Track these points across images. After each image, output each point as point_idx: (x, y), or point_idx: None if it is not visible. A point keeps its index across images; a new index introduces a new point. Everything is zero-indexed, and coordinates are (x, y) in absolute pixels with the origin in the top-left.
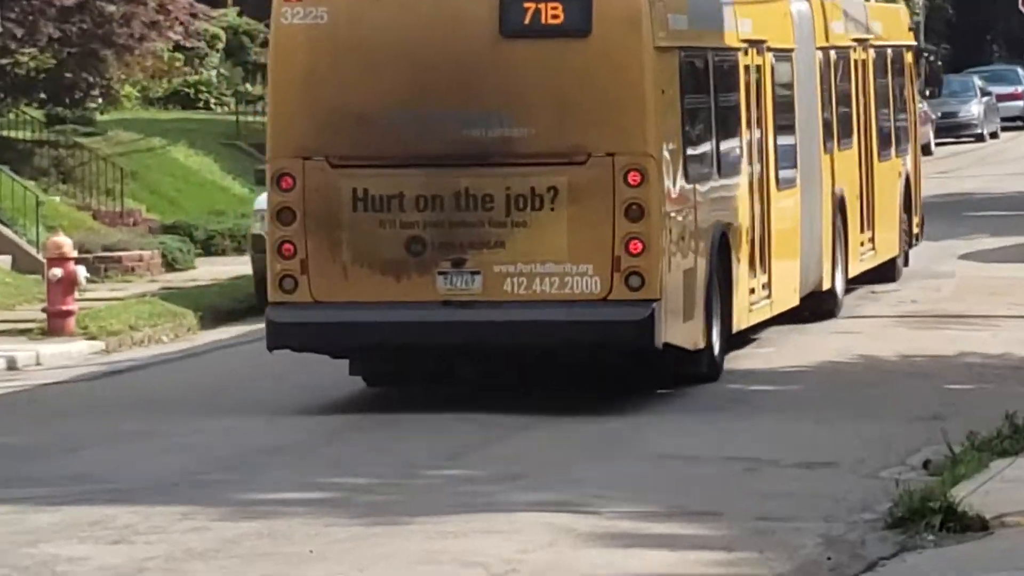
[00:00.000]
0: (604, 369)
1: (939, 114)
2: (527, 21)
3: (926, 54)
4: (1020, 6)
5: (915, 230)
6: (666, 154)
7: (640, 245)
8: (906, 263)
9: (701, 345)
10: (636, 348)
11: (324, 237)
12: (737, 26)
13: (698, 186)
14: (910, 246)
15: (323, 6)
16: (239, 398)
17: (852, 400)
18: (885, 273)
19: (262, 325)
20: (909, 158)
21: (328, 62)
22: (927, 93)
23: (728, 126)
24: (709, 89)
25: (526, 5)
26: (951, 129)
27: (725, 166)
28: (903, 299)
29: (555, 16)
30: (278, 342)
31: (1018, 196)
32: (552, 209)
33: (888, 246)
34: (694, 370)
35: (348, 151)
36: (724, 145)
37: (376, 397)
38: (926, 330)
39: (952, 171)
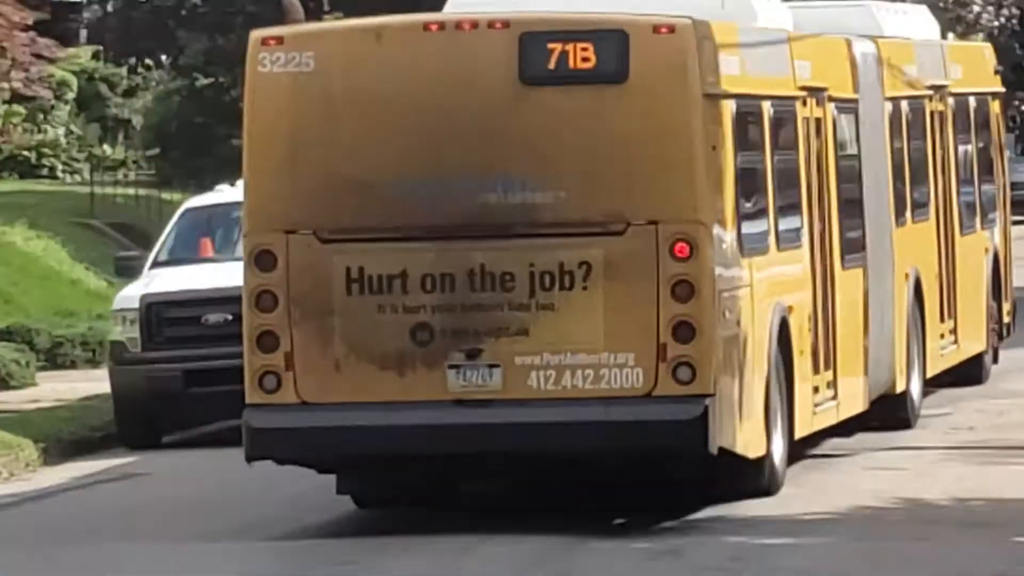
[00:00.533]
0: (641, 484)
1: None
2: (552, 65)
3: (1017, 103)
4: None
5: (1006, 319)
6: (718, 222)
7: (691, 330)
8: (995, 360)
9: (761, 452)
10: (686, 454)
11: (313, 326)
12: (795, 70)
13: (754, 261)
14: (1000, 339)
15: (309, 51)
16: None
17: (893, 559)
18: (970, 373)
19: (125, 460)
20: (998, 231)
21: (316, 118)
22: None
23: (787, 190)
24: (764, 146)
25: (551, 46)
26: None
27: (784, 238)
28: (957, 424)
29: (586, 59)
30: (258, 452)
31: None
32: (584, 288)
33: (973, 339)
34: (752, 483)
35: (341, 223)
36: (783, 213)
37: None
38: (987, 466)
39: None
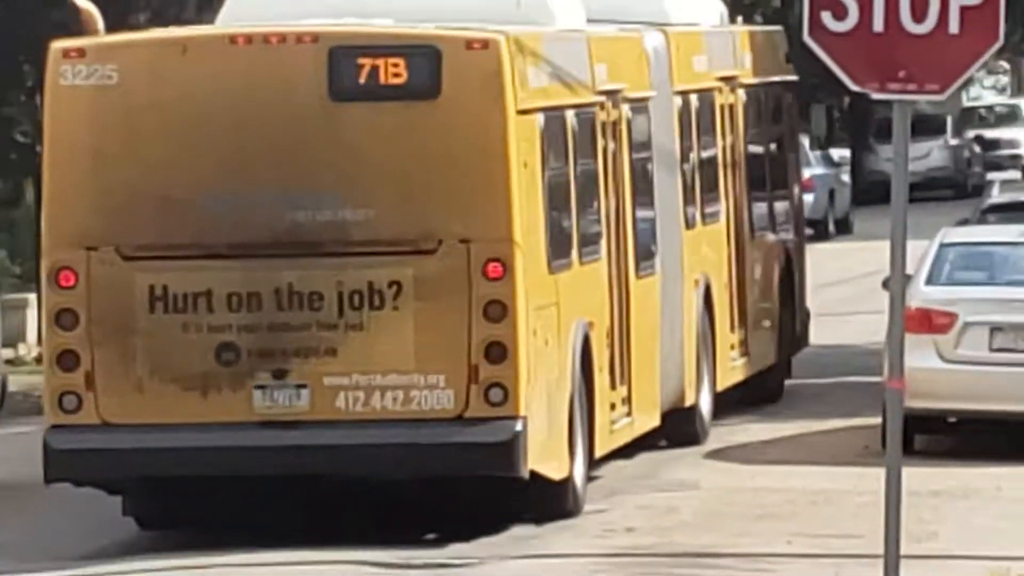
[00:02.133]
0: (448, 502)
1: None
2: (362, 81)
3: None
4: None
5: (799, 329)
6: (530, 241)
7: (503, 351)
8: (788, 374)
9: (565, 474)
10: (497, 476)
11: (114, 345)
12: (594, 74)
13: (560, 278)
14: (792, 353)
15: (112, 63)
16: None
17: None
18: (766, 388)
19: None
20: (791, 235)
21: (119, 132)
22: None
23: (587, 201)
24: (568, 157)
25: (360, 61)
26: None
27: (585, 251)
28: (613, 524)
29: (396, 74)
30: (58, 473)
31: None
32: (395, 308)
33: (764, 351)
34: (555, 505)
35: (144, 240)
36: (583, 225)
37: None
38: None
39: None
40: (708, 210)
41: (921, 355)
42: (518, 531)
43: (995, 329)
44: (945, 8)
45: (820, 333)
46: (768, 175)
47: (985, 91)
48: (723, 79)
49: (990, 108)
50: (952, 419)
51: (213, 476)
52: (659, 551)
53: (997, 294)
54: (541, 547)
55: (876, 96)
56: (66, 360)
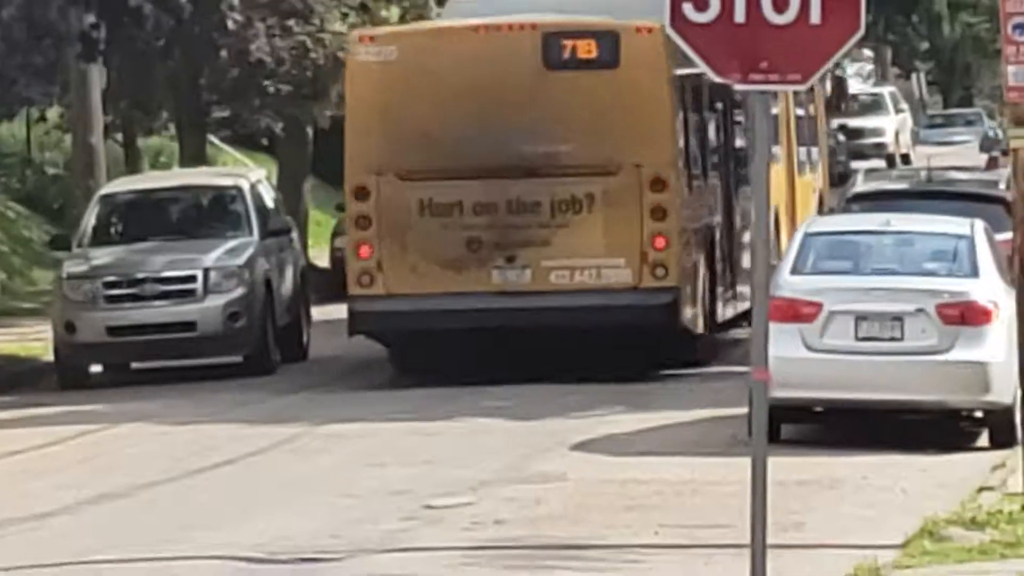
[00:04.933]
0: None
1: None
2: (566, 56)
3: None
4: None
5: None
6: (680, 165)
7: (664, 241)
8: None
9: (702, 331)
10: (662, 329)
11: (395, 239)
12: None
13: (696, 191)
14: None
15: (392, 44)
16: None
17: None
18: None
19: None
20: (819, 176)
21: (397, 93)
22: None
23: (711, 140)
24: (702, 108)
25: (564, 42)
26: None
27: (710, 175)
28: (481, 517)
29: (588, 51)
30: (357, 328)
31: None
32: (590, 212)
33: None
34: (696, 353)
35: (415, 167)
36: (707, 154)
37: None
38: (518, 571)
39: None
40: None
41: (787, 344)
42: (386, 525)
43: (860, 318)
44: None
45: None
46: (803, 128)
47: (849, 79)
48: None
49: (854, 97)
50: (819, 408)
51: (460, 329)
52: (528, 543)
53: (862, 283)
54: (408, 540)
55: (738, 87)
56: (363, 251)
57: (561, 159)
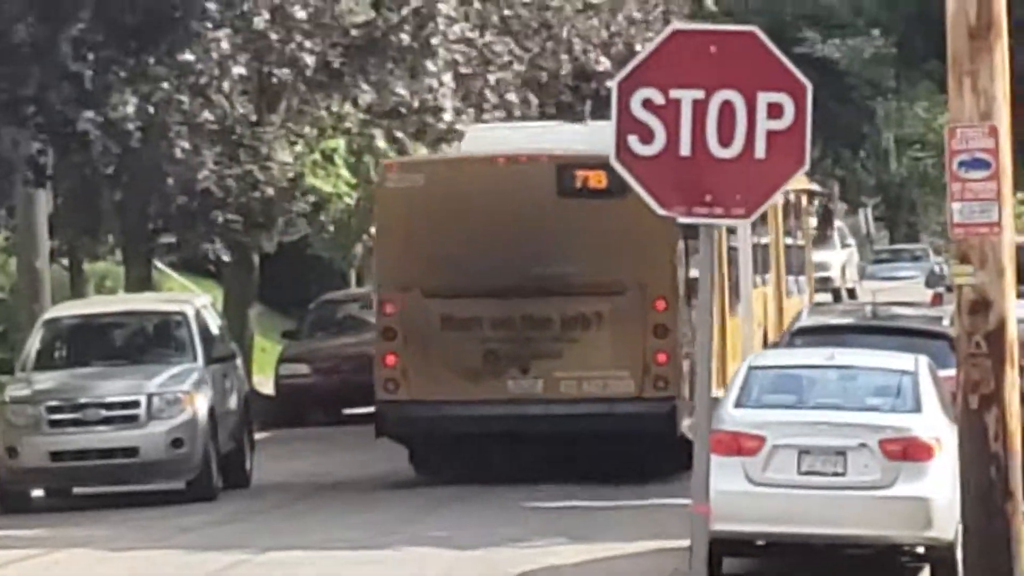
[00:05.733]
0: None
1: None
2: (578, 185)
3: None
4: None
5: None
6: (681, 287)
7: (665, 356)
8: None
9: None
10: (662, 435)
11: (419, 350)
12: None
13: (694, 311)
14: None
15: (419, 172)
16: None
17: None
18: None
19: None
20: (806, 295)
21: (423, 217)
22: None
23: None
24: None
25: (576, 173)
26: None
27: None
28: None
29: (599, 182)
30: (384, 431)
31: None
32: (598, 329)
33: None
34: (688, 461)
35: (438, 284)
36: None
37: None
38: None
39: None
40: (763, 276)
41: (730, 478)
42: None
43: (803, 452)
44: (751, 133)
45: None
46: (792, 253)
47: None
48: None
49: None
50: (761, 542)
51: (478, 433)
52: None
53: (805, 417)
54: None
55: (682, 220)
56: (389, 360)
57: (571, 279)
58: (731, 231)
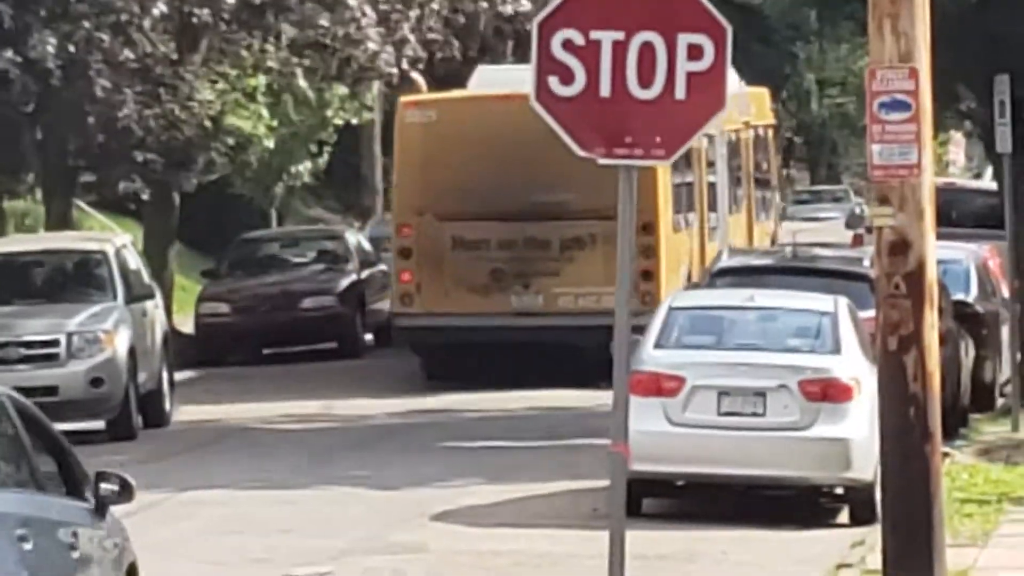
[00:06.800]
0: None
1: None
2: None
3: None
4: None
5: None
6: (666, 212)
7: (652, 274)
8: None
9: None
10: None
11: (432, 267)
12: None
13: (679, 233)
14: None
15: (432, 109)
16: None
17: None
18: None
19: None
20: (773, 218)
21: (436, 148)
22: None
23: (688, 191)
24: (687, 166)
25: None
26: None
27: (689, 221)
28: None
29: None
30: (398, 340)
31: (533, 415)
32: (591, 249)
33: None
34: None
35: (450, 209)
36: (688, 203)
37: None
38: None
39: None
40: (736, 203)
41: (649, 418)
42: None
43: (723, 393)
44: (671, 74)
45: (559, 397)
46: (761, 181)
47: None
48: (744, 123)
49: None
50: (680, 483)
51: (484, 342)
52: None
53: (725, 358)
54: None
55: (603, 161)
56: (405, 277)
57: (569, 205)
58: (710, 162)
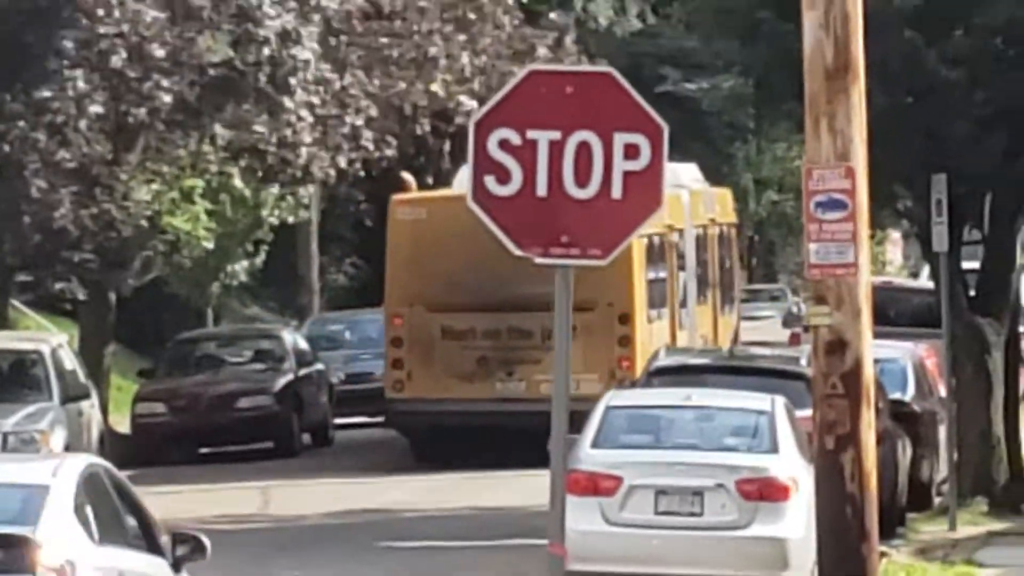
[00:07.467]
0: None
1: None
2: None
3: None
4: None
5: None
6: (642, 305)
7: (628, 362)
8: None
9: None
10: None
11: (422, 356)
12: (663, 216)
13: (651, 325)
14: None
15: (422, 207)
16: None
17: None
18: None
19: None
20: (735, 312)
21: (426, 244)
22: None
23: (663, 284)
24: (656, 262)
25: None
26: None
27: (660, 312)
28: None
29: None
30: (392, 424)
31: (474, 513)
32: (573, 339)
33: None
34: None
35: (439, 300)
36: (660, 300)
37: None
38: None
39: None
40: (703, 295)
41: (586, 518)
42: None
43: (660, 492)
44: (608, 174)
45: (486, 496)
46: (725, 276)
47: None
48: (710, 220)
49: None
50: None
51: (471, 427)
52: None
53: (662, 458)
54: None
55: (539, 261)
56: (396, 364)
57: (549, 298)
58: (680, 256)
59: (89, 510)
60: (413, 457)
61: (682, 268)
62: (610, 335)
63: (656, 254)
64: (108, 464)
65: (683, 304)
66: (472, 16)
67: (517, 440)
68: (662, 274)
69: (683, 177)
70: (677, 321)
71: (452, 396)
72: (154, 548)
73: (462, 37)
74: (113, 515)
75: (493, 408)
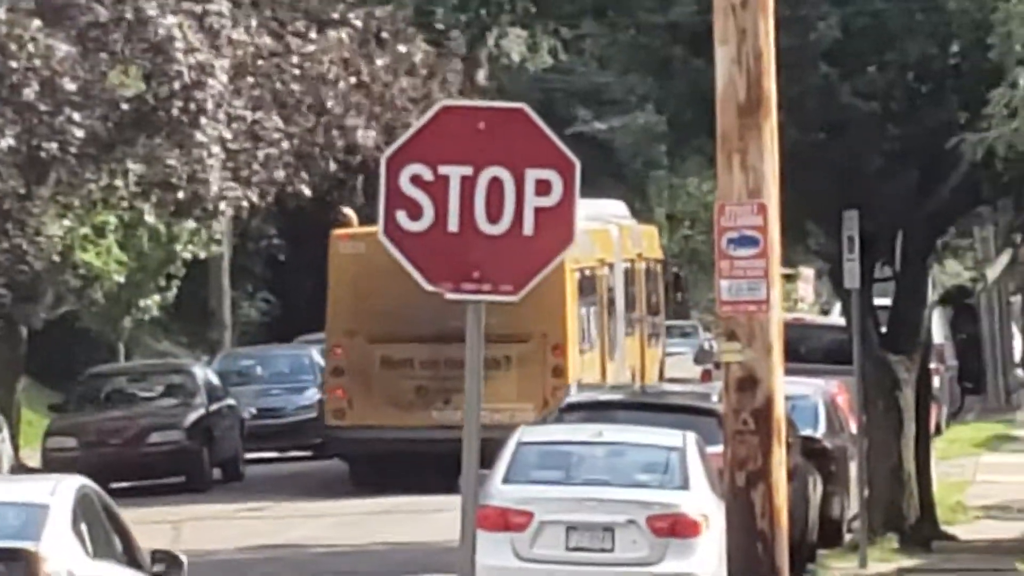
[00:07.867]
0: None
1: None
2: None
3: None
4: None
5: None
6: (574, 336)
7: (561, 393)
8: None
9: None
10: None
11: (362, 385)
12: (591, 250)
13: (583, 356)
14: None
15: (362, 241)
16: None
17: None
18: None
19: None
20: (660, 345)
21: (365, 277)
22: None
23: (594, 316)
24: (587, 294)
25: None
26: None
27: (592, 342)
28: None
29: None
30: (332, 451)
31: (385, 550)
32: (507, 369)
33: None
34: None
35: (378, 332)
36: (593, 331)
37: None
38: None
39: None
40: (631, 327)
41: (497, 553)
42: None
43: (571, 528)
44: (520, 210)
45: (400, 530)
46: (651, 310)
47: None
48: (638, 255)
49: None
50: None
51: (408, 453)
52: None
53: (573, 493)
54: None
55: (450, 296)
56: (338, 393)
57: (486, 329)
58: (610, 289)
59: (84, 527)
60: (352, 483)
61: (612, 301)
62: (544, 365)
63: (588, 287)
64: (97, 486)
65: (612, 335)
66: (368, 81)
67: (453, 467)
68: (593, 307)
69: (611, 213)
70: (607, 353)
71: (391, 424)
72: (137, 564)
73: (362, 99)
74: (103, 532)
75: (430, 436)
